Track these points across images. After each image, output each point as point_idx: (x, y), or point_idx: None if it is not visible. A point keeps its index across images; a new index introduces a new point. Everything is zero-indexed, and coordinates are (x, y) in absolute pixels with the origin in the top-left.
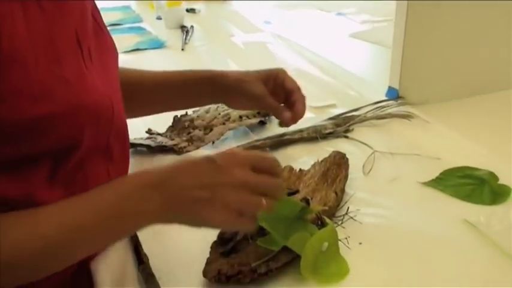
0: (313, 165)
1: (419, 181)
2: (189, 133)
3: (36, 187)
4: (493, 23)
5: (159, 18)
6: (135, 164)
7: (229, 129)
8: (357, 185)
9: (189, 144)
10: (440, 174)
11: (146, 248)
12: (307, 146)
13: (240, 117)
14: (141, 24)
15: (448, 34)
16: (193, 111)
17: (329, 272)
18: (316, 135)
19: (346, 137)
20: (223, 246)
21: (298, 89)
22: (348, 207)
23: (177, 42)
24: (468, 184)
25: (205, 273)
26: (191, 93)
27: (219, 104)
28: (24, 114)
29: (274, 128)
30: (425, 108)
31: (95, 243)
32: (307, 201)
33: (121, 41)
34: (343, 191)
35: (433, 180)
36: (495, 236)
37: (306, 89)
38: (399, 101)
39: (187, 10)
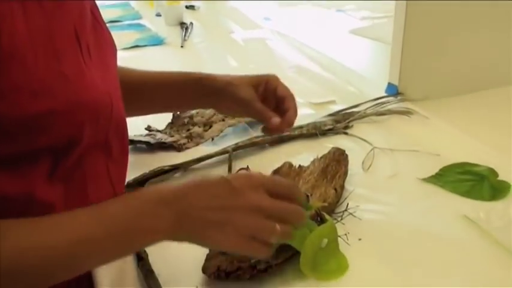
0: (313, 162)
1: (418, 177)
2: (188, 130)
3: (36, 184)
4: (492, 19)
5: (158, 15)
6: (135, 161)
7: (229, 126)
8: (356, 181)
9: (188, 141)
10: (440, 170)
11: None
12: (306, 143)
13: None
14: (141, 21)
15: (448, 30)
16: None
17: (329, 268)
18: (315, 131)
19: (346, 133)
20: None
21: (292, 96)
22: (348, 204)
23: (177, 39)
24: (468, 180)
25: (204, 269)
26: (178, 96)
27: None
28: (24, 111)
29: None
30: (425, 104)
31: (102, 257)
32: (306, 197)
33: (120, 37)
34: (342, 187)
35: (432, 176)
36: (495, 232)
37: (306, 85)
38: (399, 97)
39: (187, 7)
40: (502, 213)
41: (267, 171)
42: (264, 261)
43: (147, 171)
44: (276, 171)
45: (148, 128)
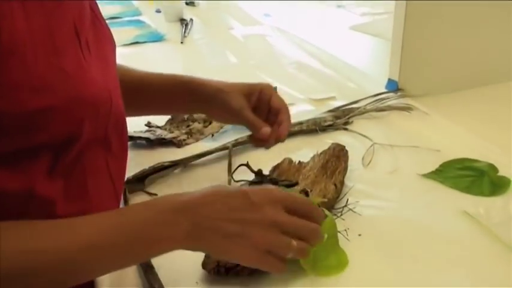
0: (313, 158)
1: (418, 173)
2: (188, 126)
3: (36, 180)
4: (493, 15)
5: (158, 11)
6: (135, 157)
7: None
8: (356, 177)
9: (188, 137)
10: (440, 166)
11: None
12: (306, 138)
13: None
14: (141, 18)
15: (448, 26)
16: None
17: (328, 264)
18: (315, 127)
19: (346, 129)
20: None
21: (286, 109)
22: (348, 199)
23: (177, 35)
24: (468, 176)
25: (204, 265)
26: (167, 99)
27: None
28: (24, 108)
29: None
30: (425, 100)
31: (114, 263)
32: (306, 193)
33: (120, 34)
34: (342, 183)
35: (432, 172)
36: (494, 228)
37: (306, 81)
38: (399, 93)
39: (187, 3)
40: (502, 208)
41: (267, 167)
42: None
43: (147, 167)
44: (276, 167)
45: (148, 124)
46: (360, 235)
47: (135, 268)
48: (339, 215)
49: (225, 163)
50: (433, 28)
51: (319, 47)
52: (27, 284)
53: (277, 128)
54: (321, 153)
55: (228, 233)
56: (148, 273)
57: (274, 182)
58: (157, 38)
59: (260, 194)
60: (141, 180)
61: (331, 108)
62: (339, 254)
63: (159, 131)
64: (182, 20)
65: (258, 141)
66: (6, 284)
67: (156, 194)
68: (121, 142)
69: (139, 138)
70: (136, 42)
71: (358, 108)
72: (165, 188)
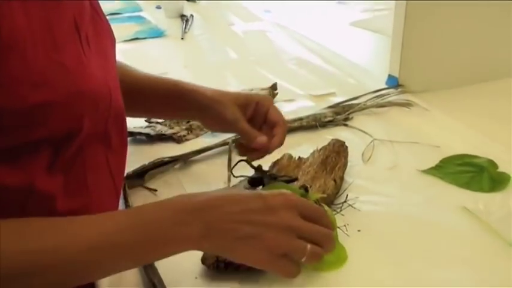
0: (312, 153)
1: (418, 169)
2: (188, 121)
3: (36, 175)
4: (493, 11)
5: (158, 7)
6: (135, 153)
7: None
8: (356, 173)
9: (188, 133)
10: (440, 162)
11: None
12: (306, 134)
13: None
14: (141, 14)
15: (448, 22)
16: None
17: (327, 259)
18: (315, 123)
19: (346, 125)
20: None
21: (283, 123)
22: (347, 195)
23: (177, 31)
24: (467, 172)
25: (203, 260)
26: (160, 104)
27: None
28: (24, 103)
29: None
30: (425, 96)
31: (126, 263)
32: (305, 188)
33: (120, 30)
34: (342, 178)
35: (432, 168)
36: (494, 223)
37: (306, 77)
38: (399, 89)
39: None
40: (501, 204)
41: (267, 162)
42: None
43: (147, 163)
44: (276, 163)
45: (148, 120)
46: (359, 231)
47: None
48: (338, 210)
49: (225, 159)
50: (434, 24)
51: (320, 43)
52: (39, 281)
53: (269, 139)
54: (320, 149)
55: (243, 234)
56: (148, 268)
57: (274, 177)
58: (158, 34)
59: (277, 198)
60: (141, 175)
61: (331, 104)
62: (338, 250)
63: (159, 127)
64: (182, 16)
65: (246, 150)
66: (14, 283)
67: (155, 190)
68: (121, 137)
69: (139, 133)
70: (137, 38)
71: (358, 104)
72: (165, 184)
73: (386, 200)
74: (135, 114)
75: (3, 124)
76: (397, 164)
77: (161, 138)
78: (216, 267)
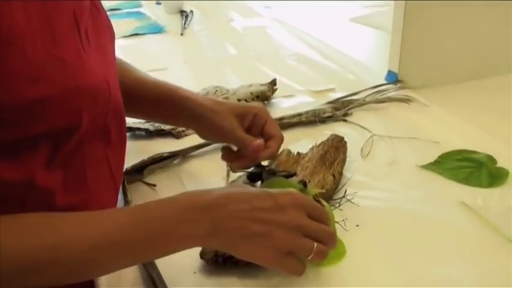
0: (311, 149)
1: (417, 164)
2: None
3: (35, 170)
4: (493, 7)
5: (158, 3)
6: (134, 148)
7: None
8: (355, 168)
9: (187, 128)
10: (439, 157)
11: None
12: (305, 130)
13: (239, 100)
14: (141, 9)
15: (448, 18)
16: None
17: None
18: (314, 118)
19: (345, 120)
20: None
21: (279, 138)
22: (346, 190)
23: (177, 27)
24: (466, 167)
25: (202, 254)
26: (155, 109)
27: (217, 88)
28: (23, 98)
29: (272, 112)
30: (425, 92)
31: (132, 259)
32: (304, 183)
33: (120, 25)
34: (341, 174)
35: (431, 163)
36: (492, 219)
37: (306, 73)
38: (398, 85)
39: None
40: (500, 200)
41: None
42: None
43: (146, 158)
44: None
45: None
46: (357, 226)
47: None
48: (337, 205)
49: None
50: (433, 20)
51: (319, 39)
52: (43, 278)
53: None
54: (319, 144)
55: (251, 232)
56: (146, 263)
57: (273, 173)
58: (157, 29)
59: (286, 197)
60: (140, 170)
61: (330, 99)
62: (337, 245)
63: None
64: (182, 12)
65: (232, 157)
66: (13, 280)
67: (154, 185)
68: (120, 133)
69: (138, 129)
70: (136, 34)
71: (357, 99)
72: (164, 179)
73: (385, 195)
74: (132, 115)
75: (2, 119)
76: (396, 160)
77: (160, 133)
78: (214, 261)
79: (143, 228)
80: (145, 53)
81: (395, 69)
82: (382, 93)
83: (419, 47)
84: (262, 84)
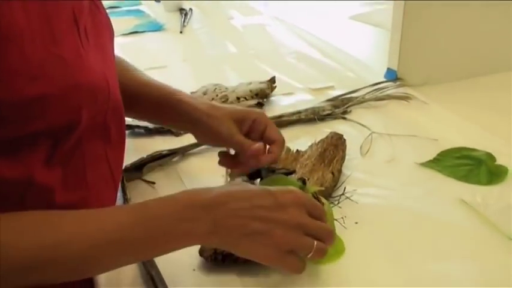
0: (310, 146)
1: (416, 162)
2: None
3: (34, 168)
4: (492, 5)
5: (157, 1)
6: (133, 146)
7: None
8: (354, 166)
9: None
10: (438, 155)
11: None
12: (304, 127)
13: (238, 98)
14: (140, 7)
15: (447, 16)
16: (191, 93)
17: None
18: (314, 116)
19: (344, 118)
20: None
21: (282, 143)
22: (345, 188)
23: (176, 25)
24: (465, 165)
25: (201, 252)
26: (155, 115)
27: (217, 86)
28: (22, 95)
29: (271, 110)
30: (424, 89)
31: (129, 258)
32: (303, 181)
33: (119, 23)
34: (340, 171)
35: (430, 160)
36: (491, 216)
37: (305, 71)
38: (398, 83)
39: None
40: (499, 197)
41: None
42: None
43: (145, 156)
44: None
45: None
46: (356, 223)
47: None
48: (336, 203)
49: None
50: (432, 18)
51: (319, 37)
52: (43, 276)
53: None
54: (318, 142)
55: (252, 230)
56: (146, 261)
57: (272, 170)
58: (157, 27)
59: (287, 196)
60: (139, 168)
61: (329, 97)
62: (336, 242)
63: None
64: (181, 10)
65: (230, 163)
66: (13, 278)
67: (154, 183)
68: (119, 130)
69: (138, 126)
70: (136, 32)
71: (356, 97)
72: (163, 177)
73: (384, 193)
74: (130, 116)
75: (2, 116)
76: (395, 157)
77: (159, 131)
78: (213, 259)
79: (143, 227)
80: (145, 51)
81: (394, 67)
82: (381, 91)
83: (418, 44)
84: (261, 82)
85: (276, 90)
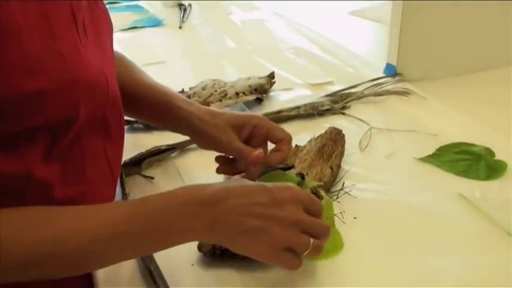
0: (309, 141)
1: (415, 157)
2: None
3: (33, 163)
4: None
5: None
6: (132, 141)
7: (226, 106)
8: (353, 161)
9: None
10: (437, 150)
11: None
12: (303, 123)
13: (237, 93)
14: (139, 3)
15: (446, 11)
16: (190, 88)
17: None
18: (313, 111)
19: (343, 113)
20: None
21: (288, 139)
22: (344, 183)
23: (175, 20)
24: (464, 160)
25: (200, 247)
26: (154, 119)
27: (216, 81)
28: (19, 90)
29: (270, 105)
30: (423, 84)
31: (128, 253)
32: (302, 176)
33: (118, 19)
34: (339, 166)
35: (429, 156)
36: (490, 211)
37: (304, 66)
38: (397, 78)
39: None
40: (498, 192)
41: None
42: None
43: (144, 151)
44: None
45: None
46: (355, 218)
47: None
48: (335, 198)
49: None
50: (432, 13)
51: (318, 32)
52: (43, 271)
53: (272, 151)
54: (317, 137)
55: (249, 228)
56: (144, 256)
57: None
58: (156, 23)
59: (284, 192)
60: (138, 163)
61: (329, 92)
62: (335, 237)
63: None
64: (180, 5)
65: (228, 170)
66: (12, 273)
67: (152, 178)
68: (118, 126)
69: (137, 122)
70: (135, 27)
71: (355, 92)
72: (162, 172)
73: (383, 188)
74: (130, 116)
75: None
76: (394, 152)
77: None
78: (212, 254)
79: (141, 222)
80: (144, 47)
81: (393, 62)
82: (380, 86)
83: (417, 40)
84: (260, 77)
85: (275, 85)
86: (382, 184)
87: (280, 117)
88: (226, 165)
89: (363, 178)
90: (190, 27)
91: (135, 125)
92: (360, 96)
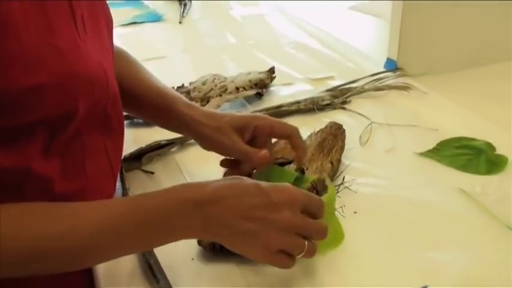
0: (310, 136)
1: (416, 151)
2: None
3: (32, 158)
4: None
5: None
6: (132, 136)
7: (226, 101)
8: (353, 156)
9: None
10: (437, 144)
11: None
12: (304, 118)
13: (237, 88)
14: None
15: (447, 5)
16: (190, 83)
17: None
18: (313, 106)
19: (344, 108)
20: None
21: (296, 131)
22: (344, 177)
23: (175, 15)
24: (465, 154)
25: (200, 241)
26: (156, 120)
27: (216, 76)
28: (18, 85)
29: (271, 100)
30: (424, 79)
31: (126, 250)
32: (302, 170)
33: (118, 14)
34: (339, 161)
35: (429, 150)
36: (490, 205)
37: (305, 61)
38: (397, 73)
39: None
40: (498, 187)
41: None
42: None
43: (144, 146)
44: (273, 145)
45: None
46: (355, 212)
47: None
48: None
49: None
50: (432, 7)
51: (318, 27)
52: (43, 266)
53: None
54: (318, 132)
55: (244, 230)
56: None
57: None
58: (156, 18)
59: (281, 195)
60: (138, 158)
61: (329, 87)
62: (335, 228)
63: None
64: (181, 0)
65: (230, 167)
66: (13, 269)
67: (152, 173)
68: (118, 121)
69: (136, 117)
70: (135, 23)
71: (356, 87)
72: (162, 167)
73: (383, 183)
74: (132, 114)
75: None
76: (395, 147)
77: None
78: (212, 248)
79: (134, 220)
80: (144, 42)
81: (394, 57)
82: (381, 81)
83: (418, 34)
84: (260, 72)
85: (275, 80)
86: (382, 179)
87: (281, 112)
88: (232, 169)
89: (363, 173)
90: (190, 22)
91: (135, 120)
92: (360, 91)
